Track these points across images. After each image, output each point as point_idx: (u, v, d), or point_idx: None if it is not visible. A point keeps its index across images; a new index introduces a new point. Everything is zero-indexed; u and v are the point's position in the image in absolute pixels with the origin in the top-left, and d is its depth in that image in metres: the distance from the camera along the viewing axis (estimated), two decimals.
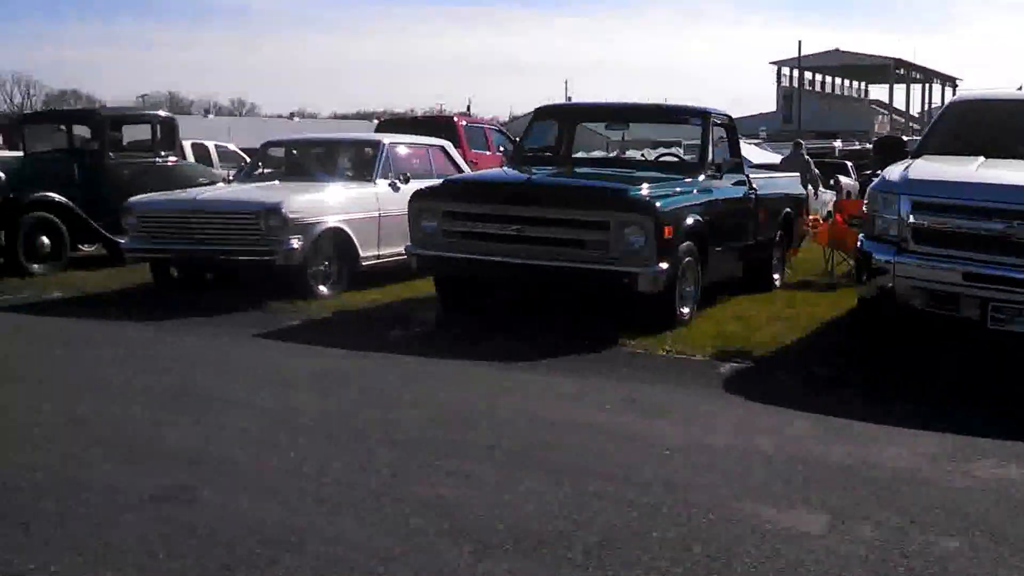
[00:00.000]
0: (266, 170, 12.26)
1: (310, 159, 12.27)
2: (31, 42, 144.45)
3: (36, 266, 12.33)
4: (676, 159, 10.95)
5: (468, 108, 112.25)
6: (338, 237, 10.38)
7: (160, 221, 10.43)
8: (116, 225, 13.28)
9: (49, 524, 4.13)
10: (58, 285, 11.61)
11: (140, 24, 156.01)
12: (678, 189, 8.88)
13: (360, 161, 11.72)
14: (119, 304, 10.24)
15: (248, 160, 25.18)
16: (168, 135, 14.46)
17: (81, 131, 14.17)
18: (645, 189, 8.43)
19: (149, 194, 11.13)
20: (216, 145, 23.43)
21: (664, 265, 8.11)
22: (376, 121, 25.40)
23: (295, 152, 12.59)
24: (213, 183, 14.72)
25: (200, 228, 10.17)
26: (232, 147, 24.64)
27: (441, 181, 9.27)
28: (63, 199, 12.69)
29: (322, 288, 10.26)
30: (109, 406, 5.99)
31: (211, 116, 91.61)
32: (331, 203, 10.48)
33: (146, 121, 14.36)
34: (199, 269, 10.86)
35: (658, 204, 8.20)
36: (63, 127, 14.23)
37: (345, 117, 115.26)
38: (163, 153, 14.31)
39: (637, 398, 6.34)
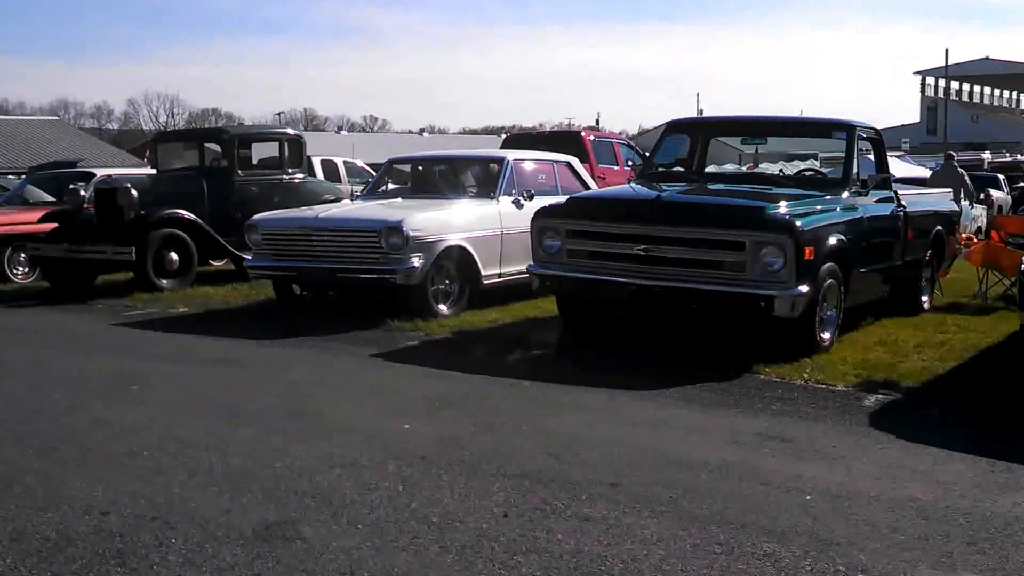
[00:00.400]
0: (390, 187, 12.12)
1: (434, 176, 12.08)
2: (177, 62, 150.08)
3: (164, 282, 12.45)
4: (817, 175, 10.35)
5: (597, 122, 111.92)
6: (459, 255, 10.13)
7: (283, 238, 10.35)
8: (243, 241, 13.38)
9: (145, 558, 3.92)
10: (184, 300, 11.67)
11: (280, 44, 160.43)
12: (820, 207, 8.33)
13: (484, 178, 11.48)
14: (241, 321, 10.20)
15: (375, 176, 25.44)
16: (296, 152, 14.50)
17: (212, 149, 14.30)
18: (784, 207, 7.92)
19: (273, 212, 11.10)
20: (344, 161, 23.60)
21: (804, 288, 7.58)
22: (504, 136, 25.31)
23: (419, 169, 12.42)
24: (338, 200, 14.69)
25: (321, 246, 10.05)
26: (360, 163, 24.81)
27: (566, 199, 8.92)
28: (192, 216, 12.80)
29: (442, 307, 10.01)
30: (218, 428, 5.81)
31: (343, 133, 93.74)
32: (453, 221, 10.24)
33: (274, 139, 14.42)
34: (320, 287, 10.74)
35: (798, 223, 7.67)
36: (194, 145, 14.38)
37: (474, 132, 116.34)
38: (291, 170, 14.35)
39: (773, 433, 5.85)
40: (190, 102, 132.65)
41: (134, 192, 12.51)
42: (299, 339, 8.95)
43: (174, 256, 12.57)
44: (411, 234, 9.61)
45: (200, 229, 12.87)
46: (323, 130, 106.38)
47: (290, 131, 14.87)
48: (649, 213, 8.22)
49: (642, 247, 7.99)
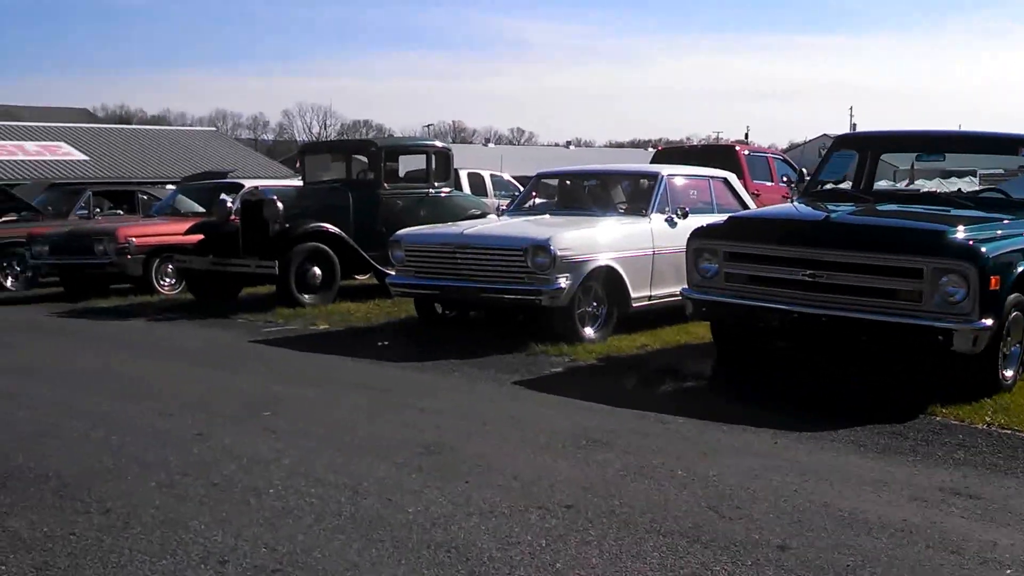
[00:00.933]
0: (538, 201, 11.70)
1: (583, 191, 11.61)
2: (330, 75, 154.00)
3: (307, 297, 12.33)
4: (1000, 195, 9.47)
5: (746, 136, 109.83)
6: (608, 276, 9.62)
7: (426, 255, 10.03)
8: (388, 256, 13.15)
9: None
10: (326, 316, 11.50)
11: (430, 57, 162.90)
12: (1004, 231, 7.51)
13: (636, 194, 10.95)
14: (380, 339, 9.91)
15: (521, 189, 25.11)
16: (443, 166, 14.24)
17: (359, 161, 14.16)
18: (966, 231, 7.15)
19: (416, 227, 10.81)
20: (492, 175, 23.37)
21: (987, 321, 6.81)
22: (651, 150, 24.76)
23: (567, 184, 11.96)
24: (484, 215, 14.38)
25: (465, 264, 9.69)
26: (506, 176, 24.54)
27: (725, 218, 8.31)
28: (336, 230, 12.65)
29: (588, 331, 9.53)
30: (352, 463, 5.44)
31: (491, 145, 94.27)
32: (602, 240, 9.74)
33: (421, 152, 14.19)
34: (464, 306, 10.38)
35: (983, 249, 6.90)
36: (341, 157, 14.26)
37: (620, 146, 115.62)
38: (437, 184, 14.09)
39: (959, 488, 5.16)
40: (342, 113, 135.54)
41: (279, 205, 12.43)
42: (440, 362, 8.58)
43: (317, 271, 12.43)
44: (558, 253, 9.16)
45: (344, 243, 12.71)
46: (470, 142, 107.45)
47: (437, 143, 14.62)
48: (816, 236, 7.55)
49: (808, 272, 7.34)
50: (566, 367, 8.47)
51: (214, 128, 64.11)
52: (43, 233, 15.16)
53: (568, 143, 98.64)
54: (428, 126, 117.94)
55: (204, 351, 9.37)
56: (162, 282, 14.63)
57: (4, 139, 41.43)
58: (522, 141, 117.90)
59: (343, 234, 12.71)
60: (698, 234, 8.18)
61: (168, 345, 9.72)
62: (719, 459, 5.59)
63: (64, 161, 41.36)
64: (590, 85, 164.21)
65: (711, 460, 5.56)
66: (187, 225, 14.64)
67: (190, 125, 77.81)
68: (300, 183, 16.55)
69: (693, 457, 5.61)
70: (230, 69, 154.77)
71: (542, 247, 9.20)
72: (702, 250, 8.06)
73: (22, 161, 40.06)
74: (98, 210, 17.59)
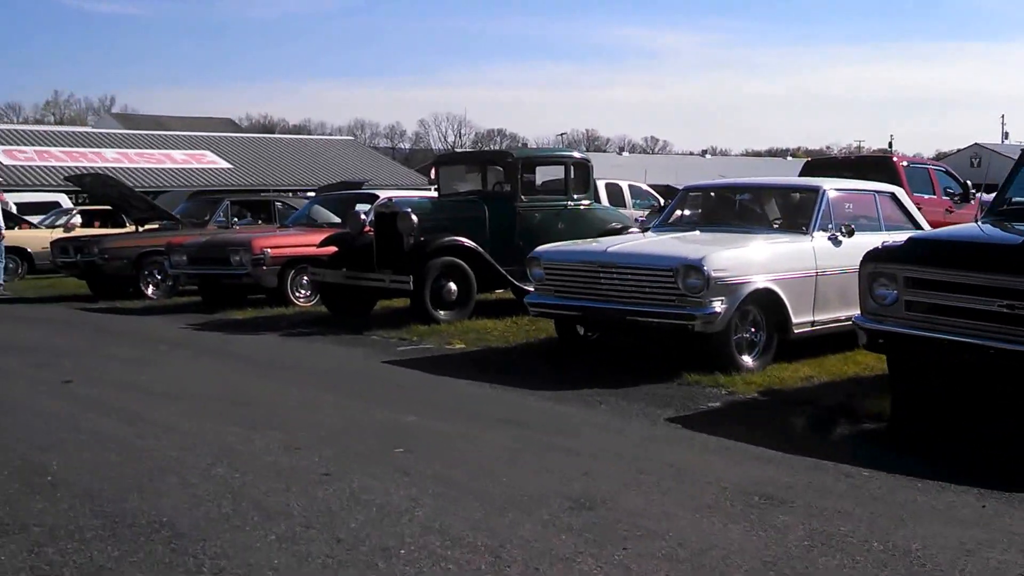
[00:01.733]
0: (685, 214, 10.94)
1: (735, 206, 10.79)
2: (465, 85, 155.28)
3: (442, 313, 11.85)
4: None
5: (890, 145, 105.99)
6: (767, 300, 8.82)
7: (567, 273, 9.39)
8: (524, 271, 12.59)
9: None
10: (461, 334, 10.98)
11: (562, 67, 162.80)
12: None
13: (795, 209, 10.09)
14: (522, 365, 9.35)
15: (660, 200, 24.29)
16: (582, 177, 13.60)
17: (495, 173, 13.64)
18: None
19: (557, 243, 10.19)
20: (630, 185, 22.65)
21: None
22: (790, 159, 23.74)
23: (718, 197, 11.16)
24: (624, 228, 13.70)
25: (610, 284, 9.01)
26: (644, 186, 23.78)
27: (905, 240, 7.42)
28: (472, 244, 12.14)
29: (746, 359, 8.74)
30: (493, 517, 4.81)
31: (625, 154, 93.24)
32: (760, 260, 8.94)
33: (560, 162, 13.58)
34: (608, 329, 9.70)
35: None
36: (477, 168, 13.76)
37: (757, 155, 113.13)
38: (576, 196, 13.46)
39: None
40: (476, 123, 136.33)
41: (414, 217, 11.98)
42: (584, 392, 7.93)
43: (452, 286, 11.94)
44: (713, 274, 8.40)
45: (480, 258, 12.19)
46: (604, 151, 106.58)
47: (576, 154, 13.99)
48: (1016, 261, 6.63)
49: (1006, 303, 6.42)
50: (724, 401, 7.71)
51: (351, 137, 65.10)
52: (181, 243, 15.11)
53: (704, 152, 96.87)
54: (562, 135, 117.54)
55: (336, 373, 8.91)
56: (297, 293, 14.38)
57: (153, 148, 42.63)
58: (656, 150, 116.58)
59: (479, 248, 12.18)
60: (873, 256, 7.30)
61: (299, 365, 9.30)
62: (920, 527, 4.77)
63: (208, 169, 42.33)
64: (722, 94, 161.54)
65: (911, 528, 4.74)
66: (322, 236, 14.34)
67: (329, 134, 79.30)
68: (435, 194, 16.22)
69: (888, 524, 4.80)
70: (367, 80, 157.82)
71: (694, 267, 8.46)
72: (878, 274, 7.19)
73: (169, 169, 41.16)
74: (235, 220, 17.55)
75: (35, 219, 23.37)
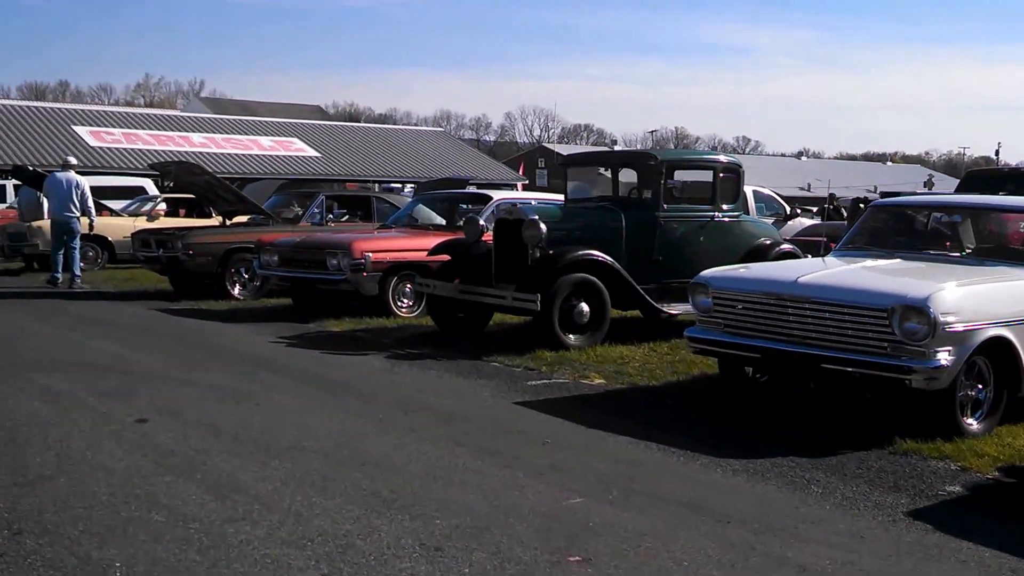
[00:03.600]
0: (874, 235, 9.15)
1: (936, 229, 8.99)
2: (553, 78, 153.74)
3: (572, 337, 10.25)
4: None
5: (997, 152, 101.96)
6: (997, 350, 7.05)
7: (745, 306, 7.70)
8: (662, 290, 10.96)
9: None
10: (596, 364, 9.40)
11: (653, 64, 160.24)
12: None
13: (1019, 237, 8.28)
14: (678, 411, 7.72)
15: (787, 208, 22.33)
16: (731, 184, 11.88)
17: (632, 177, 12.00)
18: None
19: (726, 269, 8.47)
20: (754, 190, 20.75)
21: None
22: (890, 164, 21.69)
23: (913, 217, 9.33)
24: (775, 245, 11.97)
25: (801, 322, 7.30)
26: (768, 191, 21.86)
27: None
28: (609, 260, 10.50)
29: (969, 422, 7.00)
30: None
31: (720, 156, 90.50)
32: (995, 300, 7.16)
33: (706, 167, 11.85)
34: (795, 377, 7.98)
35: None
36: (610, 171, 12.09)
37: (852, 158, 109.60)
38: (725, 207, 11.73)
39: None
40: (563, 117, 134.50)
41: (542, 226, 10.38)
42: (782, 462, 6.26)
43: (585, 307, 10.31)
44: (940, 318, 6.65)
45: (616, 275, 10.55)
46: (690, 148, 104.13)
47: (723, 158, 12.23)
48: None
49: None
50: (963, 483, 5.99)
51: (440, 128, 63.81)
52: (273, 241, 13.70)
53: (799, 153, 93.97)
54: (652, 132, 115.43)
55: (462, 418, 7.30)
56: (399, 303, 12.86)
57: (241, 133, 41.69)
58: (747, 150, 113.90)
59: (617, 265, 10.54)
60: None
61: (417, 404, 7.71)
62: None
63: (296, 157, 41.21)
64: (816, 94, 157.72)
65: None
66: (429, 240, 12.86)
67: (415, 124, 78.25)
68: (559, 199, 14.64)
69: None
70: (455, 70, 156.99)
71: (916, 308, 6.72)
72: None
73: (256, 156, 40.12)
74: (331, 216, 16.12)
75: (117, 204, 22.21)
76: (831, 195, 27.70)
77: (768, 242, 12.03)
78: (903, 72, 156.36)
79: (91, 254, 19.79)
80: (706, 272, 8.22)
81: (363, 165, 42.01)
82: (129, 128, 38.15)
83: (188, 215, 21.31)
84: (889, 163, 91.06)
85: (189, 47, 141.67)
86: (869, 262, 8.13)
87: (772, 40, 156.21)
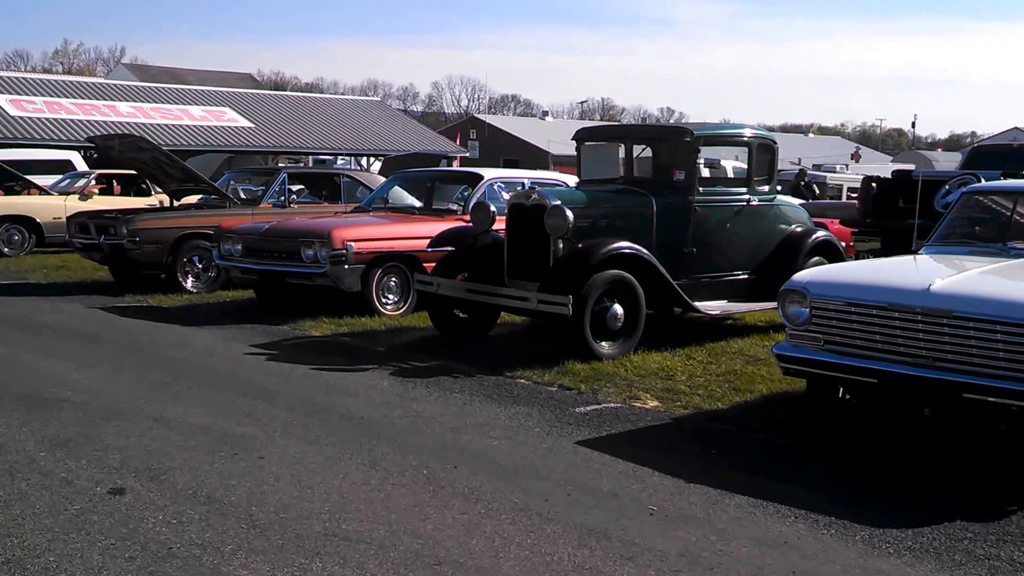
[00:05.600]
0: (971, 227, 7.79)
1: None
2: (480, 48, 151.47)
3: (604, 345, 8.76)
4: None
5: (913, 125, 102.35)
6: None
7: (856, 319, 6.25)
8: (692, 288, 9.53)
9: None
10: (639, 379, 8.04)
11: (577, 33, 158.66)
12: None
13: None
14: (769, 448, 6.27)
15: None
16: (766, 163, 10.45)
17: (654, 154, 10.49)
18: None
19: (828, 271, 6.98)
20: (734, 166, 19.40)
21: None
22: (812, 137, 20.40)
23: (1011, 204, 7.94)
24: (810, 233, 10.61)
25: (934, 340, 5.90)
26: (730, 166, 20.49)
27: None
28: (648, 254, 9.01)
29: None
30: None
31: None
32: None
33: (741, 143, 10.38)
34: (924, 406, 6.55)
35: None
36: (633, 148, 10.56)
37: (771, 129, 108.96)
38: (760, 189, 10.30)
39: None
40: (491, 87, 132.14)
41: (569, 213, 8.84)
42: (944, 533, 4.85)
43: (619, 309, 8.81)
44: None
45: (652, 272, 9.07)
46: (619, 121, 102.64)
47: (758, 132, 10.73)
48: None
49: None
50: None
51: (377, 98, 61.64)
52: (236, 227, 11.96)
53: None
54: (582, 102, 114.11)
55: (529, 472, 5.68)
56: (384, 299, 11.24)
57: (169, 103, 39.24)
58: (671, 121, 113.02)
59: (655, 260, 9.06)
60: None
61: (459, 448, 6.10)
62: None
63: (228, 128, 38.90)
64: (737, 65, 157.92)
65: None
66: (416, 226, 11.34)
67: (342, 94, 75.67)
68: (555, 178, 13.13)
69: None
70: (381, 39, 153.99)
71: None
72: None
73: (187, 126, 37.73)
74: (294, 197, 14.37)
75: (45, 180, 20.11)
76: (801, 171, 26.39)
77: (800, 229, 10.64)
78: (815, 45, 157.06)
79: (16, 238, 17.80)
80: (802, 276, 6.76)
81: (299, 136, 39.86)
82: (51, 96, 35.53)
83: (124, 193, 19.36)
84: (811, 135, 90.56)
85: (109, 12, 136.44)
86: (998, 262, 6.76)
87: (692, 11, 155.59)
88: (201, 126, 38.30)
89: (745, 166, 10.55)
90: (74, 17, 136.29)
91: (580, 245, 8.88)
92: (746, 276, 10.18)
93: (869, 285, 6.43)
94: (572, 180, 13.50)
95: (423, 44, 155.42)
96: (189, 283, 13.11)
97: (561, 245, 8.95)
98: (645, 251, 8.99)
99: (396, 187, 13.42)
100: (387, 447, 5.99)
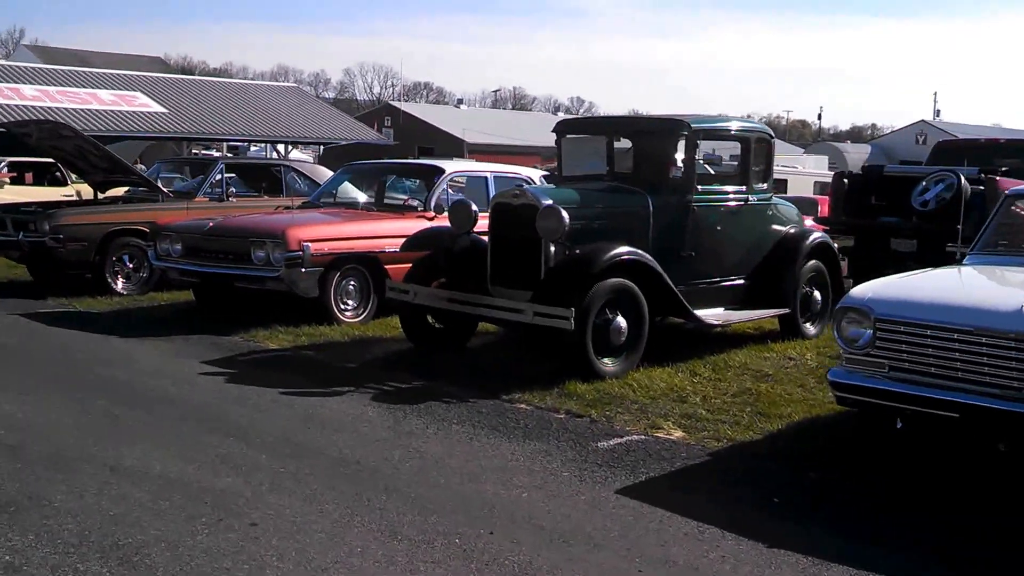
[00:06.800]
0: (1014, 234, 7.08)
1: None
2: (391, 35, 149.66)
3: (607, 361, 7.88)
4: None
5: (819, 116, 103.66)
6: None
7: (935, 342, 5.46)
8: (689, 296, 8.70)
9: None
10: (650, 401, 7.22)
11: (483, 20, 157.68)
12: None
13: None
14: (831, 493, 5.41)
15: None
16: (764, 159, 9.67)
17: (645, 148, 9.61)
18: None
19: (891, 285, 6.14)
20: None
21: None
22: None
23: None
24: (807, 235, 9.90)
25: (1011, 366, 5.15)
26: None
27: None
28: (651, 260, 8.14)
29: None
30: None
31: (560, 114, 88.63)
32: None
33: (739, 138, 9.55)
34: (999, 438, 5.78)
35: None
36: (607, 140, 9.65)
37: None
38: (758, 186, 9.52)
39: None
40: (403, 75, 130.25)
41: (565, 215, 7.91)
42: None
43: (622, 322, 7.93)
44: None
45: (655, 280, 8.20)
46: (530, 110, 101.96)
47: (758, 126, 9.94)
48: None
49: None
50: None
51: (295, 84, 59.87)
52: (174, 224, 10.78)
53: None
54: (496, 91, 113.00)
55: (583, 539, 4.69)
56: (343, 305, 10.19)
57: (76, 86, 37.18)
58: (581, 111, 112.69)
59: (658, 267, 8.20)
60: None
61: (488, 503, 5.07)
62: None
63: (140, 113, 36.94)
64: (645, 57, 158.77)
65: None
66: (376, 225, 10.40)
67: (252, 79, 73.49)
68: (519, 172, 12.21)
69: None
70: (289, 25, 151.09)
71: None
72: None
73: (96, 111, 35.69)
74: (232, 190, 13.18)
75: None
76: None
77: (796, 230, 9.89)
78: (727, 36, 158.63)
79: None
80: (864, 291, 5.94)
81: (214, 123, 38.11)
82: None
83: (37, 183, 17.88)
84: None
85: None
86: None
87: (600, 1, 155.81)
88: (111, 111, 36.32)
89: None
90: None
91: (578, 250, 7.96)
92: (742, 281, 9.40)
93: (949, 305, 5.63)
94: (535, 174, 12.65)
95: (332, 31, 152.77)
96: (119, 284, 11.87)
97: (554, 250, 8.03)
98: (649, 257, 8.12)
99: (346, 184, 12.35)
100: (400, 504, 4.99)
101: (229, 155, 33.09)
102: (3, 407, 6.70)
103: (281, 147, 40.64)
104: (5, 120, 26.31)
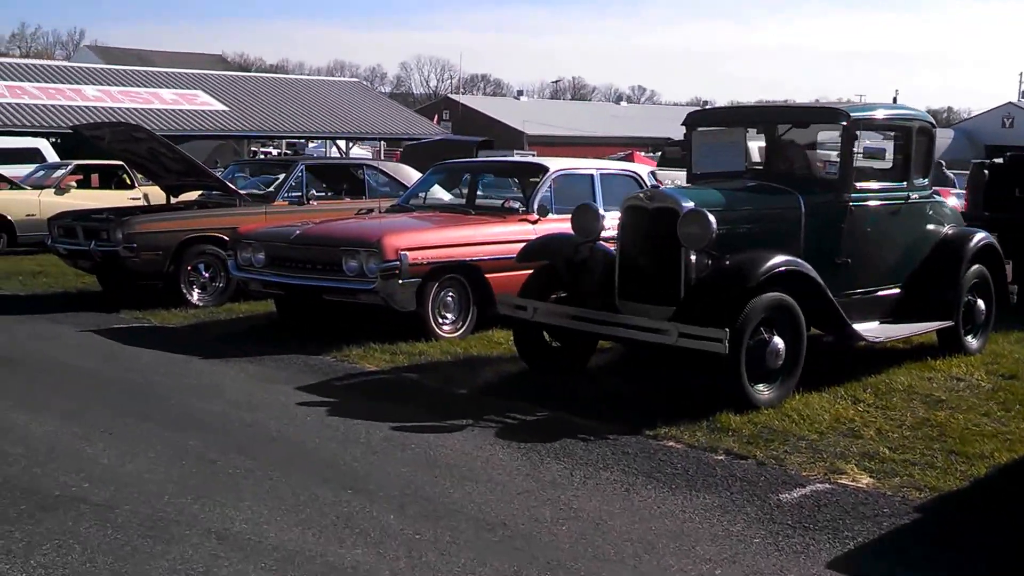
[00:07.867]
0: None
1: None
2: (449, 28, 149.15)
3: (762, 387, 6.90)
4: None
5: (894, 100, 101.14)
6: None
7: None
8: (848, 306, 7.64)
9: None
10: (817, 438, 6.37)
11: (545, 14, 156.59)
12: None
13: None
14: None
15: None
16: (925, 152, 8.55)
17: (795, 140, 8.54)
18: None
19: None
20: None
21: None
22: None
23: None
24: (969, 236, 8.75)
25: None
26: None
27: None
28: (809, 269, 7.08)
29: None
30: None
31: (623, 104, 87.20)
32: None
33: (899, 127, 8.44)
34: None
35: None
36: (764, 133, 8.61)
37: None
38: (919, 182, 8.41)
39: None
40: (460, 68, 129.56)
41: (712, 220, 6.86)
42: None
43: (779, 343, 6.88)
44: None
45: (814, 292, 7.14)
46: (589, 99, 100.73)
47: (920, 114, 8.82)
48: None
49: None
50: None
51: (356, 80, 59.26)
52: (255, 232, 9.89)
53: (705, 103, 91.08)
54: (556, 81, 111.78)
55: None
56: (441, 318, 9.25)
57: (138, 85, 36.75)
58: (643, 100, 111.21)
59: (818, 278, 7.13)
60: None
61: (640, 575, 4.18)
62: None
63: (202, 111, 36.43)
64: (704, 43, 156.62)
65: None
66: (476, 230, 9.46)
67: (309, 74, 73.05)
68: (629, 168, 11.18)
69: None
70: (346, 20, 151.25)
71: None
72: None
73: (158, 110, 35.21)
74: (313, 192, 12.30)
75: (11, 169, 17.82)
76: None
77: (956, 231, 8.77)
78: (795, 19, 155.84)
79: None
80: None
81: (277, 120, 37.56)
82: (12, 80, 33.00)
83: (104, 186, 17.17)
84: None
85: None
86: None
87: None
88: (173, 110, 35.89)
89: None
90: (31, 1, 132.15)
91: (727, 260, 6.91)
92: (897, 290, 8.31)
93: None
94: (644, 170, 11.64)
95: (387, 26, 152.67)
96: (195, 296, 11.02)
97: (695, 259, 6.99)
98: (809, 267, 7.06)
99: (436, 186, 11.42)
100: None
101: (310, 155, 32.34)
102: (87, 450, 5.79)
103: (341, 143, 39.99)
104: (70, 122, 25.86)
